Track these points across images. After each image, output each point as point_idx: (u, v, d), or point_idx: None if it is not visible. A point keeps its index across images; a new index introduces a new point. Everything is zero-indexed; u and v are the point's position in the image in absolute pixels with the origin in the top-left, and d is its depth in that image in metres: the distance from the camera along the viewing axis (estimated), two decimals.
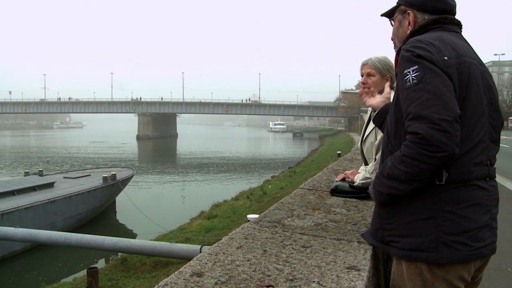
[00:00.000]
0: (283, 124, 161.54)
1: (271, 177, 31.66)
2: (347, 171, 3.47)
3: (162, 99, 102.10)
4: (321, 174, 4.59)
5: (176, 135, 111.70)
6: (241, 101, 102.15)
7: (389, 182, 1.73)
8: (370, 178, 3.19)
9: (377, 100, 2.38)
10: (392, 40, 2.11)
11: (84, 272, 10.67)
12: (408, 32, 1.93)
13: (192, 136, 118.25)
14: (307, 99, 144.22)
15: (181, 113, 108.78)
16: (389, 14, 2.10)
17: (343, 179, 3.40)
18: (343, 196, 3.25)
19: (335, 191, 3.32)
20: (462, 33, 1.93)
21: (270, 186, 24.24)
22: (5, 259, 14.66)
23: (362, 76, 3.31)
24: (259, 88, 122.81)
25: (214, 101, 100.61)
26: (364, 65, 3.29)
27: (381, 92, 2.61)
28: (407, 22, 1.97)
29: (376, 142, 3.21)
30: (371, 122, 3.39)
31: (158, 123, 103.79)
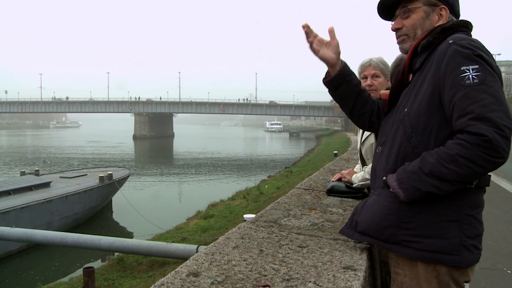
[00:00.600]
0: (279, 124, 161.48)
1: (268, 177, 31.64)
2: (344, 171, 3.46)
3: (161, 98, 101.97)
4: (317, 174, 4.60)
5: (172, 135, 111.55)
6: (237, 101, 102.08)
7: (430, 179, 1.64)
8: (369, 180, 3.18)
9: (331, 55, 2.09)
10: (397, 30, 1.96)
11: (80, 272, 10.64)
12: (437, 25, 1.86)
13: (189, 135, 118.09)
14: (304, 99, 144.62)
15: (177, 113, 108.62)
16: (399, 2, 1.94)
17: (339, 179, 3.40)
18: (339, 196, 3.25)
19: (332, 191, 3.31)
20: None
21: (266, 186, 24.24)
22: (1, 259, 14.60)
23: (364, 78, 3.21)
24: (256, 88, 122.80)
25: (211, 100, 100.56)
26: (366, 66, 3.20)
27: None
28: (436, 16, 1.88)
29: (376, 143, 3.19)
30: None
31: (155, 123, 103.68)
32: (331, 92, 2.18)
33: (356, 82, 2.14)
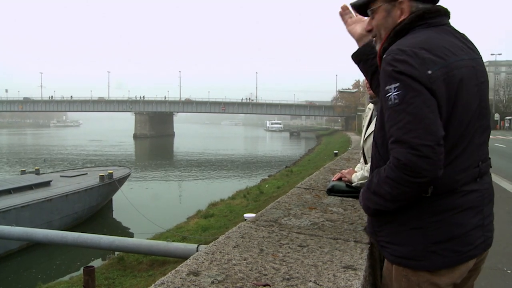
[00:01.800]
0: (280, 123, 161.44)
1: (268, 176, 31.64)
2: (344, 170, 3.46)
3: (165, 98, 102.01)
4: (318, 173, 4.60)
5: (173, 134, 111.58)
6: (241, 100, 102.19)
7: (375, 198, 1.70)
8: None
9: (359, 32, 2.11)
10: (370, 32, 1.93)
11: (80, 271, 10.63)
12: (393, 27, 1.77)
13: (189, 135, 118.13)
14: (304, 98, 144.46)
15: (178, 112, 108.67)
16: (365, 5, 1.89)
17: (340, 179, 3.39)
18: (339, 196, 3.25)
19: (332, 191, 3.31)
20: (449, 22, 1.78)
21: (267, 185, 24.25)
22: (1, 258, 14.61)
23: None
24: (256, 87, 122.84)
25: (211, 100, 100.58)
26: None
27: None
28: (398, 12, 1.77)
29: None
30: (373, 120, 3.36)
31: (155, 122, 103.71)
32: (358, 66, 2.19)
33: (371, 63, 2.09)
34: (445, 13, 1.76)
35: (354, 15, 2.14)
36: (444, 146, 1.55)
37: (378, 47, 1.88)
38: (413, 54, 1.57)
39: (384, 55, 1.66)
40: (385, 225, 1.76)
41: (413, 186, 1.56)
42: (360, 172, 3.28)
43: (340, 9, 2.19)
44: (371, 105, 3.59)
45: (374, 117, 3.37)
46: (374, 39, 1.93)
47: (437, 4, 1.78)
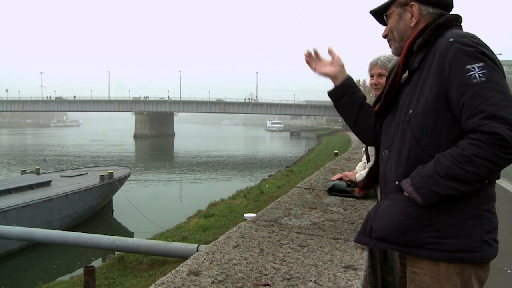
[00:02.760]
0: (280, 123, 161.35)
1: (268, 176, 31.65)
2: (347, 173, 3.46)
3: (169, 98, 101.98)
4: (318, 173, 4.60)
5: (173, 134, 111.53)
6: (244, 99, 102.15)
7: (447, 182, 1.63)
8: None
9: (332, 69, 2.20)
10: (386, 36, 2.03)
11: (80, 271, 10.63)
12: (412, 25, 1.89)
13: (189, 134, 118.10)
14: (305, 98, 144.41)
15: (178, 112, 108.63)
16: (383, 10, 2.01)
17: (341, 179, 3.40)
18: (340, 195, 3.25)
19: (332, 190, 3.31)
20: None
21: (267, 185, 24.25)
22: (2, 258, 14.61)
23: (371, 76, 3.20)
24: (257, 87, 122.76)
25: (212, 99, 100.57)
26: (373, 65, 3.18)
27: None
28: (409, 15, 1.90)
29: None
30: None
31: (155, 122, 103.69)
32: (335, 104, 2.22)
33: (359, 95, 2.17)
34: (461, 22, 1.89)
35: (319, 59, 2.24)
36: None
37: (392, 49, 2.02)
38: (483, 42, 1.70)
39: (451, 39, 1.71)
40: (438, 217, 1.70)
41: (504, 163, 1.58)
42: (364, 171, 3.29)
43: (305, 56, 2.27)
44: None
45: None
46: (389, 42, 2.02)
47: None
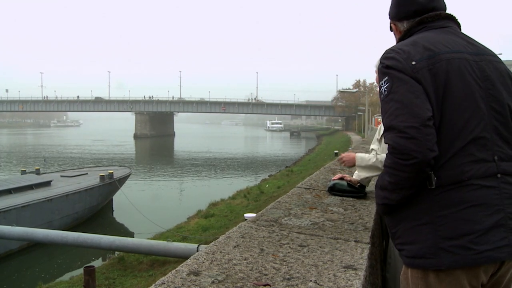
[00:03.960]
0: (280, 123, 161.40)
1: (268, 176, 31.67)
2: (343, 154, 3.43)
3: (172, 98, 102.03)
4: (318, 173, 4.59)
5: (173, 134, 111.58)
6: (247, 100, 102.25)
7: (381, 192, 1.76)
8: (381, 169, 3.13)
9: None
10: None
11: (81, 271, 10.64)
12: (397, 41, 1.98)
13: (189, 134, 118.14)
14: (305, 98, 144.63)
15: (178, 112, 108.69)
16: (391, 29, 2.14)
17: (341, 178, 3.38)
18: (340, 195, 3.24)
19: (333, 189, 3.30)
20: (454, 26, 1.89)
21: (267, 185, 24.27)
22: (2, 258, 14.62)
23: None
24: (257, 87, 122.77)
25: (212, 99, 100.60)
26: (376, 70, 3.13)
27: None
28: (395, 34, 2.06)
29: None
30: None
31: (155, 122, 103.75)
32: None
33: None
34: (447, 17, 1.89)
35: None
36: (442, 133, 1.62)
37: None
38: (399, 50, 1.74)
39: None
40: (399, 224, 1.75)
41: (406, 169, 1.61)
42: (372, 158, 3.17)
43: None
44: None
45: None
46: None
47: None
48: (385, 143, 1.68)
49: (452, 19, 1.89)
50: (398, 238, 1.76)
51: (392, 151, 1.63)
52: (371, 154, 3.70)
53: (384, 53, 1.79)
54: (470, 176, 1.61)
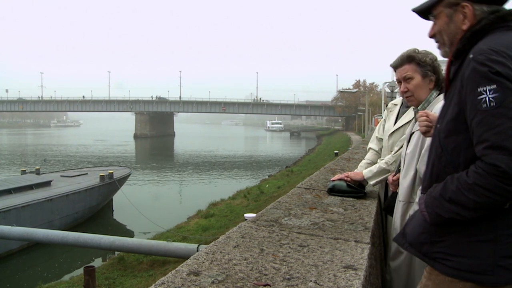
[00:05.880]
0: (280, 123, 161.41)
1: (268, 176, 31.65)
2: (350, 173, 3.44)
3: (179, 98, 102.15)
4: (318, 173, 4.59)
5: (173, 134, 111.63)
6: (252, 100, 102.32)
7: (451, 206, 1.59)
8: (389, 170, 3.16)
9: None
10: (432, 37, 1.87)
11: (81, 271, 10.64)
12: (465, 28, 1.70)
13: (190, 135, 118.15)
14: (305, 98, 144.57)
15: (178, 112, 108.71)
16: (427, 10, 1.84)
17: (341, 179, 3.39)
18: (340, 195, 3.25)
19: (333, 190, 3.30)
20: None
21: (267, 185, 24.25)
22: (2, 258, 14.61)
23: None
24: (257, 87, 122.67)
25: (212, 99, 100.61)
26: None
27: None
28: (461, 16, 1.71)
29: (404, 136, 3.05)
30: (404, 116, 3.31)
31: (155, 122, 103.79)
32: None
33: None
34: None
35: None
36: None
37: (441, 52, 1.85)
38: (507, 56, 1.51)
39: (471, 55, 1.58)
40: (449, 235, 1.65)
41: (506, 194, 1.47)
42: (375, 166, 3.27)
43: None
44: (397, 101, 3.59)
45: (403, 114, 3.37)
46: (437, 43, 1.86)
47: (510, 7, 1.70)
48: (487, 162, 1.46)
49: None
50: (441, 247, 1.68)
51: (498, 174, 1.44)
52: (369, 153, 3.71)
53: (485, 52, 1.53)
54: None
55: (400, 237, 1.92)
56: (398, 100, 3.57)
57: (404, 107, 3.40)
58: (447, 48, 1.79)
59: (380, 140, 3.63)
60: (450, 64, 1.75)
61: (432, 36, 1.87)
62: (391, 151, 3.28)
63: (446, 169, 1.67)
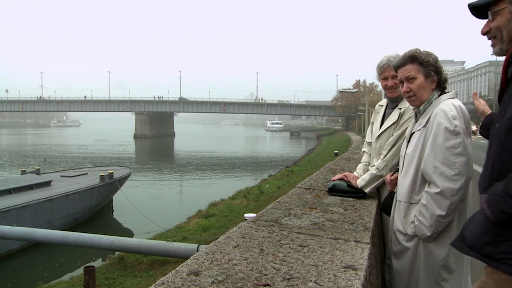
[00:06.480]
0: (280, 123, 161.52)
1: (268, 176, 31.64)
2: (348, 174, 3.44)
3: (178, 98, 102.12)
4: (318, 173, 4.59)
5: (173, 134, 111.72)
6: (254, 100, 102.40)
7: None
8: (381, 175, 3.18)
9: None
10: (486, 33, 1.83)
11: (81, 271, 10.64)
12: None
13: (190, 134, 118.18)
14: (305, 98, 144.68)
15: (178, 112, 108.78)
16: (488, 5, 1.78)
17: (341, 179, 3.39)
18: (340, 195, 3.25)
19: (333, 190, 3.30)
20: None
21: (267, 185, 24.23)
22: (2, 257, 14.62)
23: (385, 79, 3.15)
24: (257, 87, 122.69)
25: (212, 99, 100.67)
26: (385, 68, 3.08)
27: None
28: (497, 18, 1.69)
29: (391, 139, 3.17)
30: (389, 117, 3.32)
31: (155, 122, 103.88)
32: None
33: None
34: None
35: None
36: None
37: (495, 50, 1.82)
38: None
39: None
40: None
41: None
42: (367, 174, 3.28)
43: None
44: (383, 102, 3.59)
45: (388, 115, 3.37)
46: (492, 40, 1.82)
47: None
48: None
49: None
50: (507, 247, 1.63)
51: None
52: (364, 156, 3.70)
53: None
54: None
55: (458, 241, 1.86)
56: (384, 101, 3.55)
57: (389, 108, 3.39)
58: (505, 46, 1.76)
59: (370, 144, 3.61)
60: (507, 64, 1.72)
61: (485, 32, 1.83)
62: (380, 154, 3.28)
63: (507, 168, 1.64)
